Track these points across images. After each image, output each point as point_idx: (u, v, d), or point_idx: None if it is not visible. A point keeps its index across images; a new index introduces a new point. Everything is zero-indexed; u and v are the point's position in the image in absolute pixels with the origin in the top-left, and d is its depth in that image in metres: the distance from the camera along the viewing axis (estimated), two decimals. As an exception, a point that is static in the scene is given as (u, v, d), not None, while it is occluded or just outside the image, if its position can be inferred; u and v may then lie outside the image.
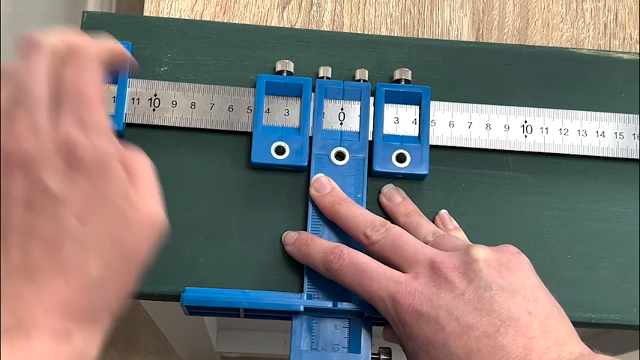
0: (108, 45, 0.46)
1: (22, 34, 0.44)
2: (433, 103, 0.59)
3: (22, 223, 0.40)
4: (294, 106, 0.59)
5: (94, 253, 0.40)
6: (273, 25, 0.69)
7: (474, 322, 0.46)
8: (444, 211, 0.58)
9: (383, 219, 0.54)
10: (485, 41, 0.71)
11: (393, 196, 0.58)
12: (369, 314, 0.54)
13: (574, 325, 0.52)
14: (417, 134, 0.59)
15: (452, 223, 0.58)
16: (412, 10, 0.71)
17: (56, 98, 0.41)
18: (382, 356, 0.55)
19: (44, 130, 0.40)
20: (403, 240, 0.51)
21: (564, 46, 0.70)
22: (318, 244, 0.54)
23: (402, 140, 0.59)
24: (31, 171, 0.40)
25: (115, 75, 0.56)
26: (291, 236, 0.57)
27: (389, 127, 0.59)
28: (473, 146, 0.59)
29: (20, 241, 0.40)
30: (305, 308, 0.54)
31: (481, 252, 0.49)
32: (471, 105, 0.59)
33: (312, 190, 0.57)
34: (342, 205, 0.55)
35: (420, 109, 0.59)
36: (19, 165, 0.40)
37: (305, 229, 0.57)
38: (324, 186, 0.57)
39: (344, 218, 0.55)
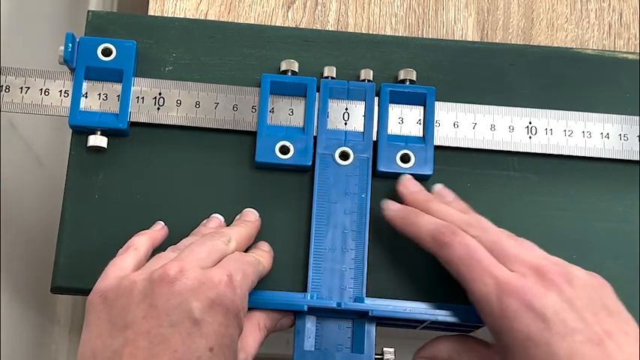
0: (264, 263, 0.54)
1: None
2: (438, 104, 0.59)
3: (158, 332, 0.44)
4: (298, 105, 0.59)
5: None
6: (277, 24, 0.69)
7: (579, 327, 0.46)
8: (439, 186, 0.58)
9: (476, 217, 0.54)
10: (489, 41, 0.71)
11: (444, 195, 0.57)
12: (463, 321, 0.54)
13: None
14: (421, 134, 0.59)
15: (450, 195, 0.57)
16: (417, 10, 0.71)
17: (226, 256, 0.50)
18: (386, 356, 0.55)
19: (201, 270, 0.47)
20: (504, 240, 0.51)
21: (569, 47, 0.70)
22: (429, 217, 0.54)
23: (407, 140, 0.58)
24: (181, 291, 0.45)
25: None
26: (395, 204, 0.56)
27: (393, 128, 0.59)
28: (477, 147, 0.59)
29: (150, 348, 0.43)
30: (309, 308, 0.54)
31: (581, 271, 0.50)
32: (475, 106, 0.59)
33: (401, 188, 0.57)
34: (434, 202, 0.56)
35: (424, 109, 0.59)
36: (169, 280, 0.45)
37: (309, 229, 0.57)
38: (415, 185, 0.57)
39: (436, 213, 0.54)
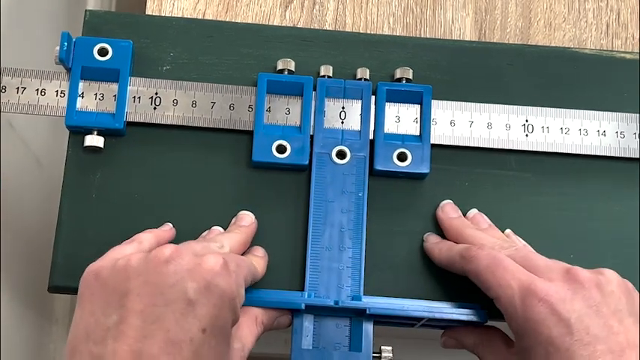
0: (258, 270, 0.54)
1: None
2: (434, 102, 0.59)
3: (151, 311, 0.43)
4: (295, 104, 0.59)
5: None
6: (275, 24, 0.69)
7: (602, 335, 0.46)
8: (474, 211, 0.59)
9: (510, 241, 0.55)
10: (487, 41, 0.71)
11: (479, 221, 0.58)
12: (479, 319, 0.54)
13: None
14: (418, 133, 0.59)
15: (485, 222, 0.58)
16: (415, 10, 0.71)
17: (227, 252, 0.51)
18: (383, 354, 0.54)
19: (198, 255, 0.47)
20: (534, 255, 0.52)
21: (566, 46, 0.70)
22: (462, 245, 0.55)
23: (403, 139, 0.58)
24: (177, 270, 0.45)
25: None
26: (434, 236, 0.58)
27: (390, 126, 0.59)
28: (474, 145, 0.59)
29: (143, 328, 0.43)
30: (306, 306, 0.54)
31: (614, 275, 0.49)
32: (471, 104, 0.59)
33: (440, 213, 0.58)
34: (470, 228, 0.56)
35: (421, 108, 0.59)
36: (166, 259, 0.45)
37: (306, 228, 0.57)
38: (454, 211, 0.58)
39: (469, 238, 0.55)
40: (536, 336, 0.47)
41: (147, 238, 0.52)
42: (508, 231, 0.58)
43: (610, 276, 0.49)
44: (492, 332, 0.54)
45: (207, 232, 0.57)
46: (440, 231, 0.58)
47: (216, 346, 0.45)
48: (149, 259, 0.46)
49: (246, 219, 0.57)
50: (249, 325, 0.52)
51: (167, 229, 0.56)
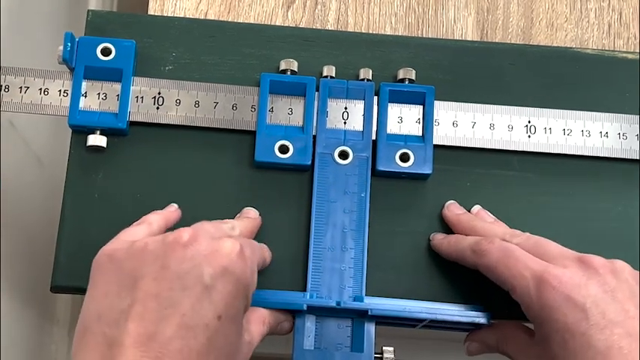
0: (267, 254, 0.56)
1: None
2: (437, 103, 0.59)
3: (168, 295, 0.43)
4: (297, 105, 0.59)
5: (218, 352, 0.44)
6: (277, 24, 0.69)
7: (619, 320, 0.46)
8: (478, 207, 0.59)
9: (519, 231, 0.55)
10: (489, 41, 0.71)
11: (483, 216, 0.58)
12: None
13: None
14: (420, 134, 0.59)
15: (490, 217, 0.58)
16: (417, 10, 0.71)
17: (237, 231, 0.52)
18: (385, 355, 0.55)
19: (215, 238, 0.47)
20: (546, 242, 0.52)
21: (568, 46, 0.70)
22: (471, 237, 0.55)
23: (406, 140, 0.58)
24: (194, 255, 0.45)
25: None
26: (439, 233, 0.58)
27: (392, 127, 0.59)
28: (476, 146, 0.59)
29: (159, 311, 0.43)
30: (308, 307, 0.54)
31: (627, 265, 0.49)
32: (474, 105, 0.59)
33: (446, 212, 0.58)
34: (478, 220, 0.57)
35: (423, 108, 0.59)
36: (183, 244, 0.45)
37: (308, 228, 0.57)
38: (459, 208, 0.58)
39: (480, 230, 0.55)
40: (552, 323, 0.47)
41: (155, 219, 0.52)
42: (477, 208, 0.58)
43: (622, 265, 0.49)
44: (513, 326, 0.54)
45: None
46: (444, 231, 0.58)
47: (229, 334, 0.45)
48: (167, 243, 0.46)
49: (251, 213, 0.57)
50: (257, 324, 0.52)
51: (173, 210, 0.56)
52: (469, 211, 0.58)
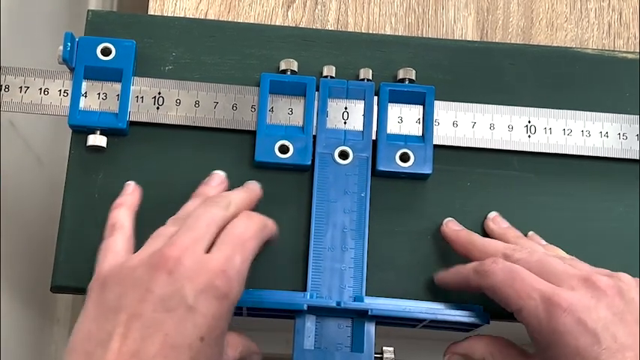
0: (270, 225, 0.53)
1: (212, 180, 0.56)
2: (437, 103, 0.59)
3: (152, 316, 0.44)
4: (298, 105, 0.59)
5: None
6: (277, 24, 0.69)
7: (629, 342, 0.45)
8: (531, 233, 0.58)
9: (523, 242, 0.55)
10: (489, 41, 0.71)
11: (499, 220, 0.58)
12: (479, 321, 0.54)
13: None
14: (420, 134, 0.59)
15: (505, 222, 0.58)
16: (416, 10, 0.71)
17: (223, 234, 0.49)
18: (385, 355, 0.55)
19: (199, 254, 0.47)
20: (549, 258, 0.51)
21: (568, 46, 0.70)
22: (487, 244, 0.55)
23: (406, 140, 0.58)
24: (177, 278, 0.45)
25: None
26: (455, 222, 0.58)
27: (393, 127, 0.59)
28: (476, 146, 0.59)
29: (142, 330, 0.44)
30: (308, 307, 0.54)
31: (632, 279, 0.49)
32: (474, 105, 0.59)
33: (444, 228, 0.58)
34: (477, 236, 0.56)
35: (423, 108, 0.59)
36: (168, 269, 0.45)
37: (308, 228, 0.57)
38: (457, 225, 0.58)
39: (479, 245, 0.55)
40: (562, 347, 0.46)
41: (124, 217, 0.52)
42: (531, 233, 0.58)
43: (628, 281, 0.48)
44: (504, 342, 0.53)
45: (207, 177, 0.56)
46: (443, 240, 0.58)
47: (212, 355, 0.46)
48: (151, 266, 0.46)
49: (253, 185, 0.56)
50: (233, 350, 0.51)
51: (132, 191, 0.55)
52: (465, 219, 0.58)
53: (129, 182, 0.56)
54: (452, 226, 0.58)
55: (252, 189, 0.56)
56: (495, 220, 0.58)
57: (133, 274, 0.46)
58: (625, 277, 0.49)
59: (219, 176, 0.56)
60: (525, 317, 0.48)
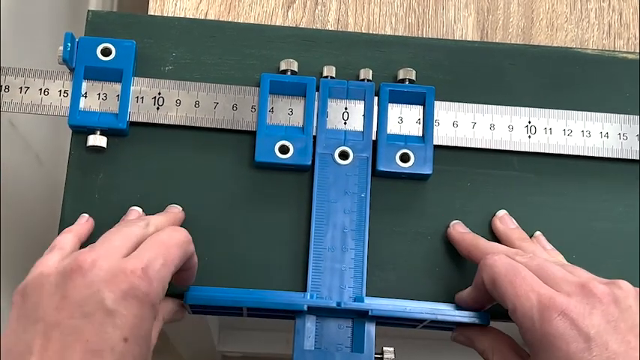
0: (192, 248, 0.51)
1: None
2: (437, 103, 0.59)
3: (70, 323, 0.43)
4: (298, 105, 0.59)
5: None
6: (277, 24, 0.69)
7: (620, 351, 0.45)
8: (538, 233, 0.58)
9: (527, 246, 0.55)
10: (489, 41, 0.71)
11: (507, 220, 0.58)
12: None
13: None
14: (420, 134, 0.59)
15: (549, 245, 0.58)
16: (417, 10, 0.71)
17: (144, 241, 0.48)
18: (385, 355, 0.55)
19: (116, 259, 0.46)
20: (549, 264, 0.51)
21: (569, 46, 0.70)
22: (483, 245, 0.55)
23: (406, 140, 0.58)
24: (93, 281, 0.45)
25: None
26: (462, 226, 0.58)
27: (393, 127, 0.59)
28: (477, 146, 0.59)
29: (62, 339, 0.43)
30: (308, 307, 0.54)
31: (631, 287, 0.48)
32: (474, 105, 0.59)
33: (451, 230, 0.58)
34: (482, 239, 0.56)
35: (424, 108, 0.59)
36: (82, 273, 0.45)
37: (308, 229, 0.57)
38: (464, 227, 0.58)
39: (483, 248, 0.55)
40: (554, 351, 0.46)
41: (67, 240, 0.52)
42: (538, 234, 0.58)
43: (626, 288, 0.48)
44: (504, 340, 0.53)
45: (125, 215, 0.57)
46: (444, 232, 0.58)
47: (139, 354, 0.45)
48: (66, 272, 0.45)
49: (174, 209, 0.57)
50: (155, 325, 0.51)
51: (84, 222, 0.55)
52: (465, 218, 0.58)
53: (83, 214, 0.56)
54: (458, 229, 0.58)
55: (174, 212, 0.56)
56: (503, 220, 0.58)
57: (48, 281, 0.46)
58: (624, 284, 0.49)
59: (136, 211, 0.57)
60: (519, 317, 0.48)
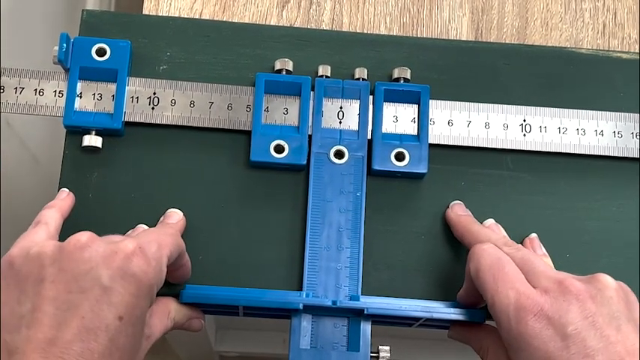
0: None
1: None
2: (432, 102, 0.59)
3: (67, 298, 0.43)
4: (293, 104, 0.59)
5: (121, 352, 0.44)
6: (272, 24, 0.69)
7: (599, 347, 0.45)
8: (534, 235, 0.58)
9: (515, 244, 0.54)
10: (484, 40, 0.71)
11: (493, 230, 0.58)
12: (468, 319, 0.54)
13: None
14: (415, 133, 0.59)
15: (541, 250, 0.57)
16: (411, 10, 0.71)
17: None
18: (381, 354, 0.55)
19: (112, 241, 0.47)
20: (533, 257, 0.51)
21: (563, 46, 0.71)
22: (477, 230, 0.56)
23: (401, 139, 0.59)
24: (91, 258, 0.45)
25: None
26: (463, 207, 0.58)
27: (388, 126, 0.59)
28: (472, 145, 0.59)
29: (58, 314, 0.43)
30: (304, 306, 0.54)
31: (610, 279, 0.48)
32: (469, 104, 0.59)
33: (449, 212, 0.58)
34: (476, 224, 0.57)
35: (419, 107, 0.59)
36: (80, 248, 0.45)
37: (304, 228, 0.57)
38: (464, 210, 0.58)
39: (475, 233, 0.55)
40: (531, 351, 0.46)
41: (51, 216, 0.52)
42: (533, 236, 0.58)
43: (605, 281, 0.48)
44: (500, 337, 0.52)
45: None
46: (440, 229, 0.58)
47: (133, 334, 0.45)
48: (64, 247, 0.45)
49: (174, 216, 0.57)
50: (161, 318, 0.51)
51: (64, 197, 0.55)
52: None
53: (63, 189, 0.56)
54: (457, 210, 0.58)
55: (174, 225, 0.56)
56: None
57: (43, 253, 0.45)
58: (602, 277, 0.48)
59: (142, 228, 0.56)
60: (497, 313, 0.48)
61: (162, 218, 0.57)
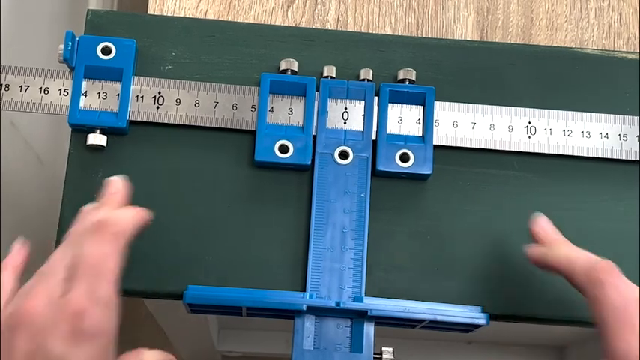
0: (135, 218, 0.50)
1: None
2: (437, 103, 0.59)
3: None
4: (298, 105, 0.59)
5: None
6: (277, 24, 0.69)
7: None
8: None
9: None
10: (489, 41, 0.71)
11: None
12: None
13: (577, 325, 0.52)
14: (420, 134, 0.59)
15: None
16: (416, 10, 0.71)
17: (75, 267, 0.45)
18: (384, 355, 0.55)
19: (55, 299, 0.43)
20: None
21: (568, 46, 0.70)
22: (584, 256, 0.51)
23: (406, 140, 0.58)
24: (38, 333, 0.42)
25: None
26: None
27: (393, 127, 0.59)
28: (476, 147, 0.59)
29: None
30: (308, 307, 0.54)
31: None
32: (474, 105, 0.59)
33: (534, 227, 0.54)
34: (567, 243, 0.53)
35: (423, 109, 0.59)
36: (26, 325, 0.42)
37: (308, 228, 0.57)
38: (549, 225, 0.55)
39: (568, 255, 0.52)
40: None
41: (5, 280, 0.48)
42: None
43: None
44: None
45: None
46: (443, 229, 0.58)
47: None
48: (11, 326, 0.43)
49: (112, 188, 0.53)
50: None
51: (16, 252, 0.51)
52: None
53: (17, 240, 0.51)
54: (543, 226, 0.55)
55: (112, 199, 0.52)
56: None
57: None
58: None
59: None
60: (617, 356, 0.45)
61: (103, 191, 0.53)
